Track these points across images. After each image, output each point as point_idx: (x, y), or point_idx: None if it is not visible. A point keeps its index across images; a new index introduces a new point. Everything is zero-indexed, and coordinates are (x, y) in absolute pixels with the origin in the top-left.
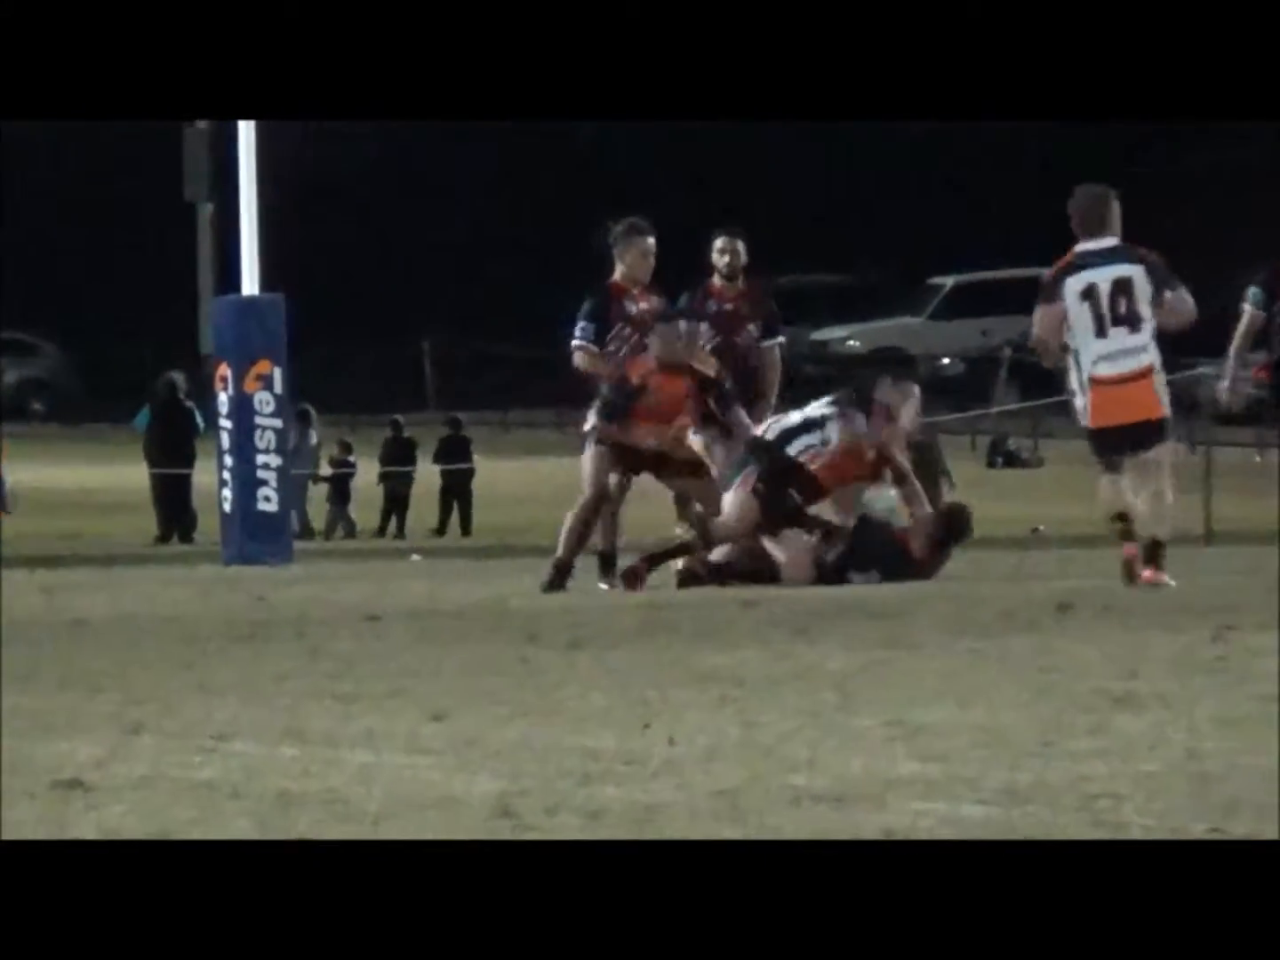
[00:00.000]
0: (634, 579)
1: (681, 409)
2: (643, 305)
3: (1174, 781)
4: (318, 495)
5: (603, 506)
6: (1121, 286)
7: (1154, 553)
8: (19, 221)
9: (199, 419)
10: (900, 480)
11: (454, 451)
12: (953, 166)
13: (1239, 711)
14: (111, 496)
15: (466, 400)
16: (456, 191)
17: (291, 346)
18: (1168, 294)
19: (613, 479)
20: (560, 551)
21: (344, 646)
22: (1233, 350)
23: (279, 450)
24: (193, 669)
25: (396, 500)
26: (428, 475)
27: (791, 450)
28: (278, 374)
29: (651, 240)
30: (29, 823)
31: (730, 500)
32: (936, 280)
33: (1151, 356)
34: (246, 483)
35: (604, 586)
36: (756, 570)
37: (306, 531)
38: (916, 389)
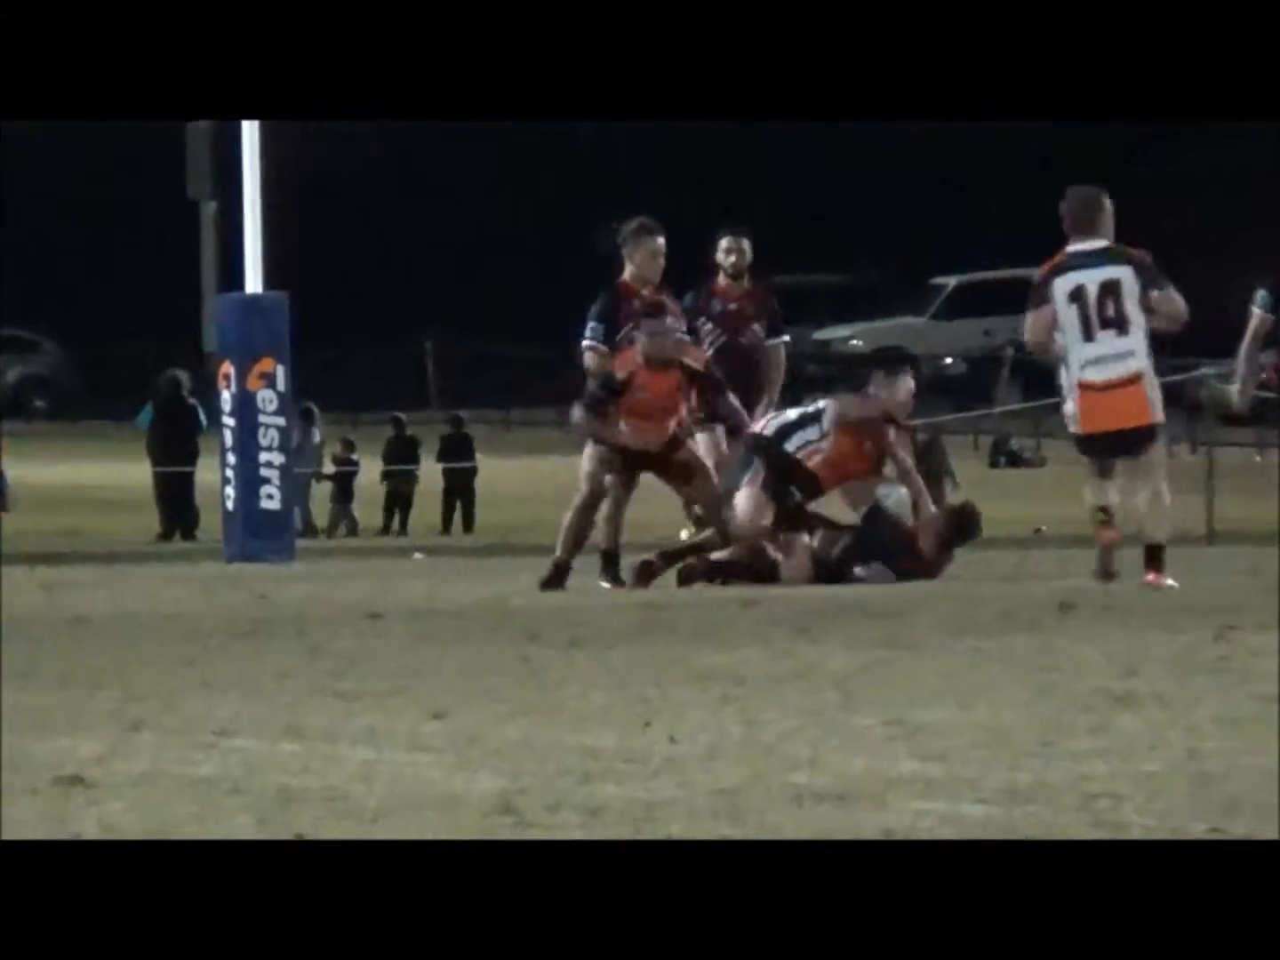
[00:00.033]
0: (648, 574)
1: (671, 407)
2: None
3: (1174, 781)
4: (321, 493)
5: (599, 505)
6: (1109, 288)
7: (1154, 556)
8: (21, 220)
9: (202, 417)
10: (905, 476)
11: (456, 450)
12: (953, 166)
13: (1240, 712)
14: (113, 494)
15: (468, 399)
16: (456, 191)
17: (292, 345)
18: (1154, 293)
19: (612, 478)
20: (559, 550)
21: (345, 644)
22: (1242, 353)
23: (282, 448)
24: (194, 666)
25: (399, 498)
26: (430, 473)
27: (789, 446)
28: (281, 372)
29: (661, 240)
30: (30, 819)
31: (742, 498)
32: (939, 280)
33: (1141, 362)
34: (249, 480)
35: (605, 585)
36: (756, 569)
37: (309, 529)
38: (909, 378)
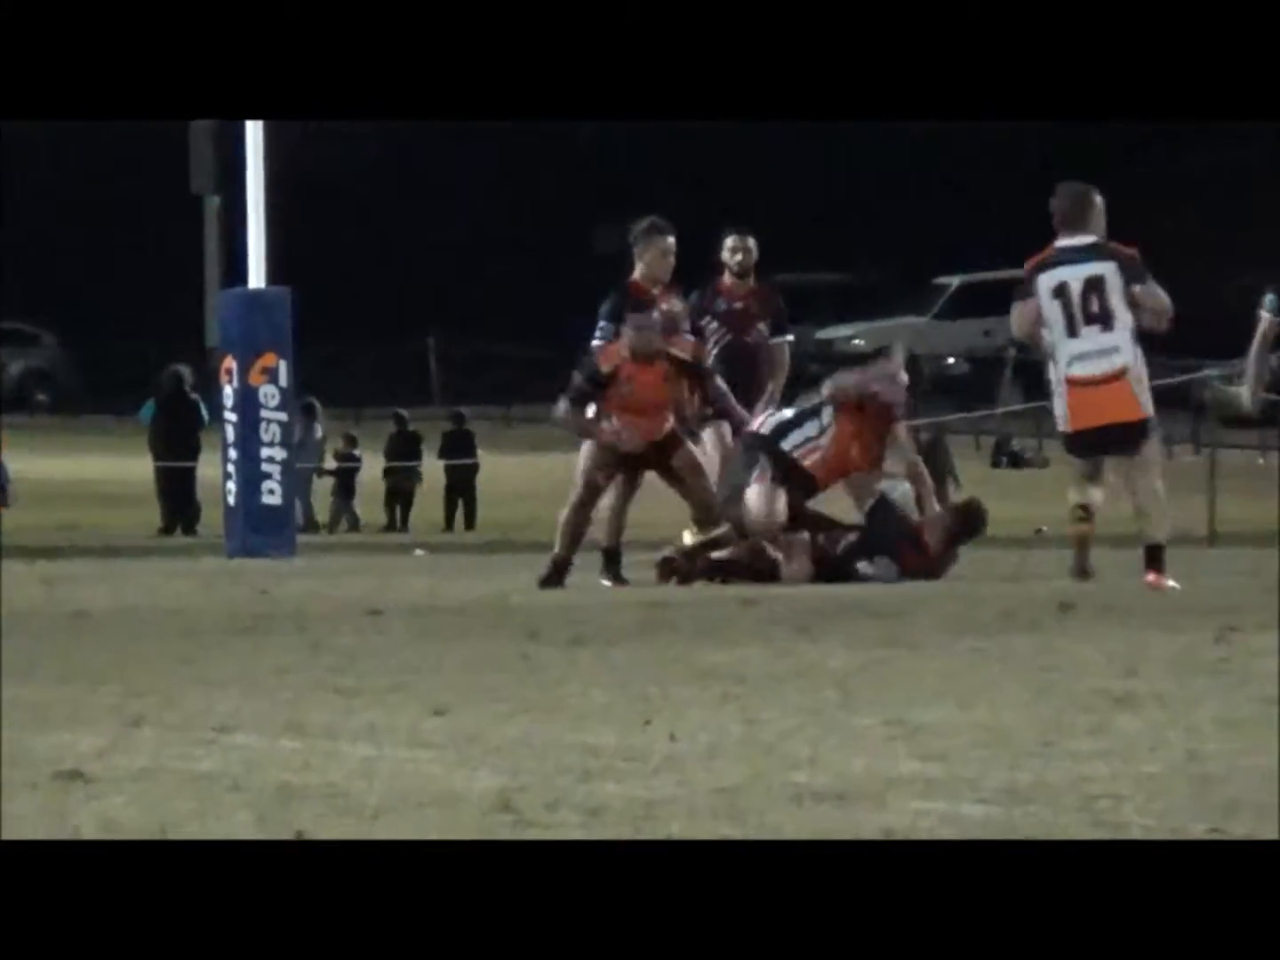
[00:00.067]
0: (669, 570)
1: (661, 400)
2: (663, 305)
3: (1174, 782)
4: (322, 489)
5: (596, 502)
6: (1093, 284)
7: (1155, 556)
8: (21, 219)
9: (204, 412)
10: (911, 471)
11: (458, 446)
12: (953, 166)
13: (1240, 713)
14: (114, 488)
15: (469, 397)
16: (456, 191)
17: (295, 341)
18: (1136, 288)
19: (614, 477)
20: (557, 548)
21: (346, 640)
22: (1252, 355)
23: (284, 443)
24: (194, 662)
25: (400, 494)
26: (432, 470)
27: (786, 444)
28: (283, 367)
29: (671, 240)
30: (30, 814)
31: (754, 495)
32: (942, 280)
33: (1126, 357)
34: (251, 476)
35: (606, 583)
36: (757, 568)
37: (311, 525)
38: (898, 355)
